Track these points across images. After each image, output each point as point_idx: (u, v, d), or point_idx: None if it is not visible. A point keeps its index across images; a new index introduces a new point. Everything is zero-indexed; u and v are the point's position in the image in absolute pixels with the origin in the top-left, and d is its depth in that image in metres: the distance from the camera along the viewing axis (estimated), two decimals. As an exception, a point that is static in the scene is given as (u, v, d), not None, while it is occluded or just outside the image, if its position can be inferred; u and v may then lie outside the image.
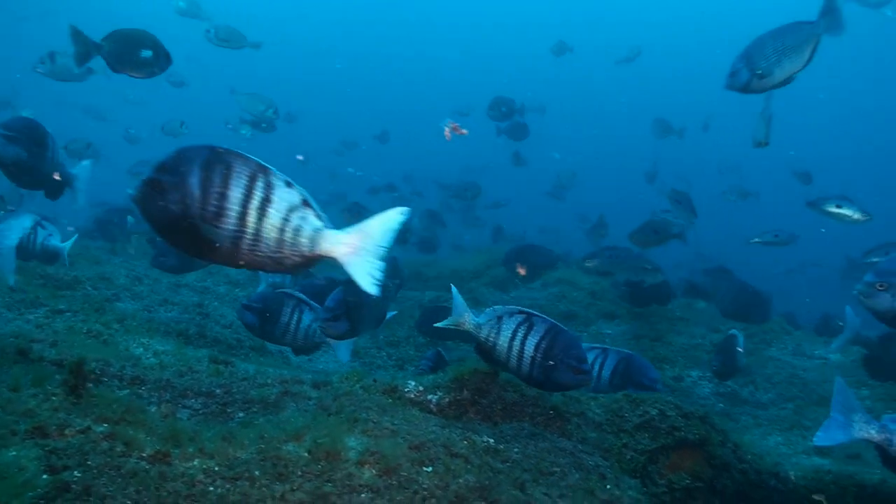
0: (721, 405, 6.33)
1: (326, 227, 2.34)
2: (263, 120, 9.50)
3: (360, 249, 2.33)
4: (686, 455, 3.75)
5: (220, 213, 2.21)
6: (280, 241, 2.28)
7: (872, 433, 3.37)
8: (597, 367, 4.69)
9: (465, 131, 4.78)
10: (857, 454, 5.12)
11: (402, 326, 7.95)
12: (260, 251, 2.28)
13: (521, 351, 3.54)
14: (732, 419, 6.05)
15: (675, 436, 3.75)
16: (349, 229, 2.35)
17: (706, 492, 3.69)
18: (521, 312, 3.62)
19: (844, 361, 6.85)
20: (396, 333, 7.78)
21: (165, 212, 2.20)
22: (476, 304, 8.49)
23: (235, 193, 2.21)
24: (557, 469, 3.08)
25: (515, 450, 3.16)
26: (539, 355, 3.51)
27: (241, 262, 2.31)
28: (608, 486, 3.13)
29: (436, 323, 7.31)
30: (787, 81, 4.33)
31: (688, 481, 3.63)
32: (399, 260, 9.56)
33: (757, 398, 6.45)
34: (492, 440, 3.18)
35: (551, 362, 3.49)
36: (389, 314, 7.30)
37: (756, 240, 7.40)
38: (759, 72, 4.25)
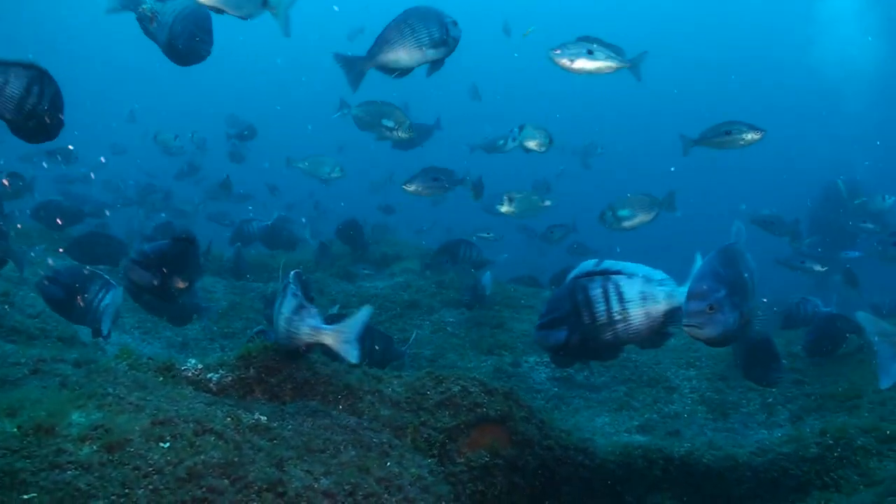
0: (556, 389, 6.29)
1: None
2: (328, 180, 8.58)
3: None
4: (487, 432, 3.61)
5: None
6: None
7: None
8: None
9: None
10: (676, 430, 5.16)
11: (240, 318, 7.59)
12: None
13: None
14: (565, 402, 6.02)
15: (476, 412, 3.61)
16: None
17: (506, 469, 3.55)
18: None
19: (677, 344, 6.97)
20: (233, 325, 7.43)
21: None
22: (321, 294, 8.22)
23: None
24: (331, 446, 2.86)
25: (289, 427, 2.92)
26: None
27: None
28: (388, 464, 2.93)
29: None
30: None
31: (487, 458, 3.49)
32: (244, 252, 9.21)
33: (591, 382, 6.45)
34: (264, 418, 2.93)
35: None
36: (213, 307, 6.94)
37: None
38: None
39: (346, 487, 2.61)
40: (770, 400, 5.69)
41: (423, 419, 3.52)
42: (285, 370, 3.50)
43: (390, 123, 6.72)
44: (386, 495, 2.73)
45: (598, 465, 4.00)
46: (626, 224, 6.59)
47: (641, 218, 6.62)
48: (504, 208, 6.71)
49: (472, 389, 3.69)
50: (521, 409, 3.74)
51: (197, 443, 2.45)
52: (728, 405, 5.72)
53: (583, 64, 4.60)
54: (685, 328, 3.01)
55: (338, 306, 6.82)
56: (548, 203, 6.75)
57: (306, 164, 8.40)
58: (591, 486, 3.97)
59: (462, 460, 3.48)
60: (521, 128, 6.81)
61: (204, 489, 2.22)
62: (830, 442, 4.04)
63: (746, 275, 3.12)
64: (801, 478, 4.00)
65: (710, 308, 2.92)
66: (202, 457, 2.36)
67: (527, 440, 3.67)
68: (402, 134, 6.68)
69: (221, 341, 7.12)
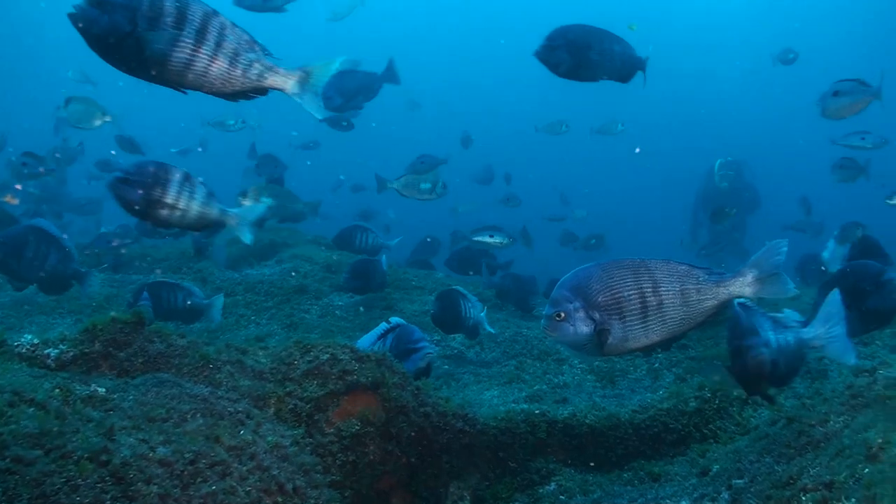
0: (447, 366, 6.18)
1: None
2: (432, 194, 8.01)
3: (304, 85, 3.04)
4: (358, 400, 3.43)
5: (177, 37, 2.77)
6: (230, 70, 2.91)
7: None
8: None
9: None
10: (564, 398, 5.10)
11: (116, 309, 7.17)
12: (210, 74, 2.87)
13: None
14: (455, 379, 5.90)
15: (346, 380, 3.43)
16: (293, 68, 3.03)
17: (379, 437, 3.39)
18: None
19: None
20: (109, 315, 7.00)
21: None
22: (204, 282, 7.88)
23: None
24: (176, 415, 2.63)
25: (130, 398, 2.67)
26: None
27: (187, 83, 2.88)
28: (242, 433, 2.72)
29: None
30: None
31: (357, 427, 3.31)
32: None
33: (482, 358, 6.36)
34: (103, 389, 2.67)
35: None
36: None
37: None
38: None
39: (188, 456, 2.38)
40: (656, 365, 5.71)
41: (288, 389, 3.31)
42: (137, 343, 3.23)
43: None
44: (236, 463, 2.52)
45: (480, 431, 3.88)
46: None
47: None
48: None
49: (341, 357, 3.50)
50: (395, 375, 3.58)
51: (9, 413, 2.18)
52: (616, 372, 5.72)
53: None
54: (543, 329, 3.04)
55: (223, 294, 6.49)
56: None
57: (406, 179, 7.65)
58: (472, 452, 3.85)
59: (331, 430, 3.30)
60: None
61: (8, 459, 1.96)
62: (708, 395, 4.04)
63: (630, 292, 2.96)
64: (681, 431, 3.98)
65: (558, 316, 2.90)
66: (12, 427, 2.10)
67: (401, 407, 3.51)
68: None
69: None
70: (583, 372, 5.87)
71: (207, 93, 2.98)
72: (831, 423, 2.68)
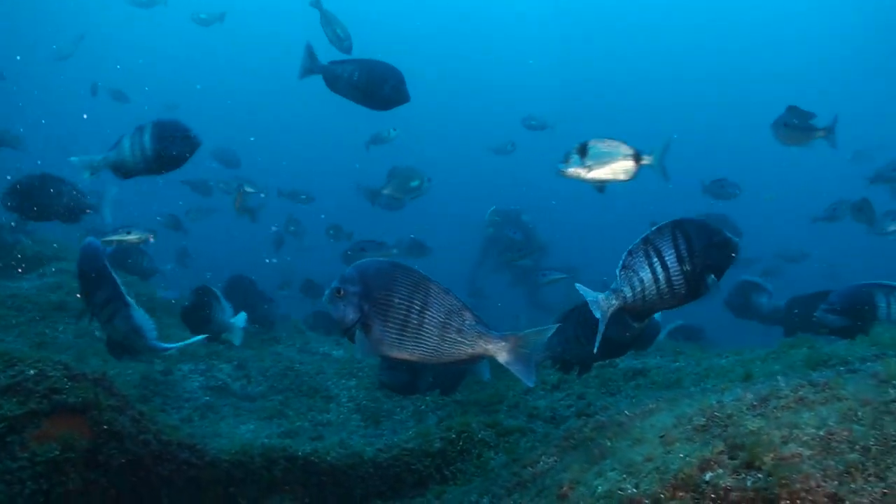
0: (207, 398, 5.83)
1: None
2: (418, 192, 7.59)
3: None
4: (62, 422, 3.09)
5: None
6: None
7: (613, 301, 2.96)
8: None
9: None
10: (321, 436, 4.93)
11: None
12: None
13: None
14: (214, 411, 5.57)
15: (52, 399, 3.09)
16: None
17: (83, 464, 3.06)
18: None
19: (341, 356, 6.84)
20: None
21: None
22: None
23: None
24: None
25: None
26: None
27: None
28: None
29: None
30: None
31: (56, 452, 2.97)
32: None
33: (247, 391, 6.07)
34: None
35: None
36: None
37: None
38: None
39: None
40: (422, 407, 5.67)
41: (-21, 406, 2.94)
42: None
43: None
44: None
45: (209, 463, 3.62)
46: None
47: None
48: None
49: (51, 374, 3.16)
50: (112, 397, 3.27)
51: None
52: (382, 413, 5.62)
53: None
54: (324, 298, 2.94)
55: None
56: None
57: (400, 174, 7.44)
58: (198, 487, 3.58)
59: (25, 455, 2.94)
60: None
61: None
62: (453, 436, 4.02)
63: (399, 300, 2.92)
64: (422, 472, 3.91)
65: (339, 292, 2.80)
66: None
67: (115, 433, 3.20)
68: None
69: None
70: (349, 411, 5.73)
71: None
72: (541, 463, 2.69)
